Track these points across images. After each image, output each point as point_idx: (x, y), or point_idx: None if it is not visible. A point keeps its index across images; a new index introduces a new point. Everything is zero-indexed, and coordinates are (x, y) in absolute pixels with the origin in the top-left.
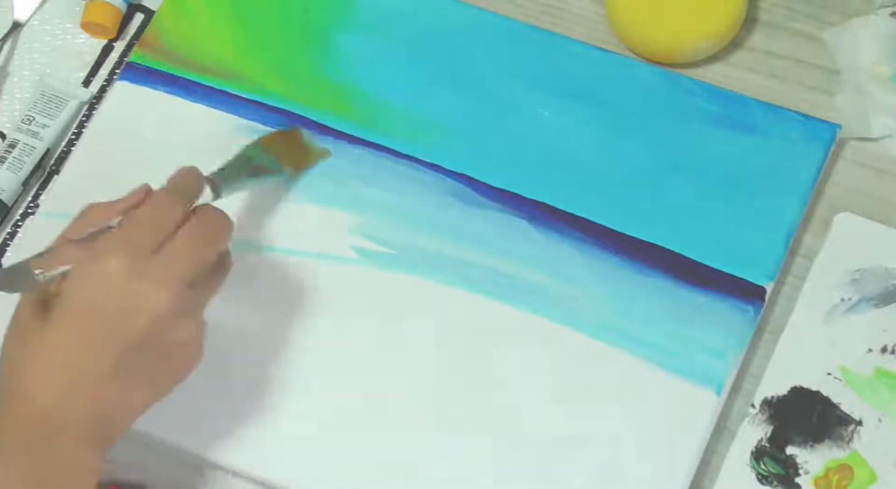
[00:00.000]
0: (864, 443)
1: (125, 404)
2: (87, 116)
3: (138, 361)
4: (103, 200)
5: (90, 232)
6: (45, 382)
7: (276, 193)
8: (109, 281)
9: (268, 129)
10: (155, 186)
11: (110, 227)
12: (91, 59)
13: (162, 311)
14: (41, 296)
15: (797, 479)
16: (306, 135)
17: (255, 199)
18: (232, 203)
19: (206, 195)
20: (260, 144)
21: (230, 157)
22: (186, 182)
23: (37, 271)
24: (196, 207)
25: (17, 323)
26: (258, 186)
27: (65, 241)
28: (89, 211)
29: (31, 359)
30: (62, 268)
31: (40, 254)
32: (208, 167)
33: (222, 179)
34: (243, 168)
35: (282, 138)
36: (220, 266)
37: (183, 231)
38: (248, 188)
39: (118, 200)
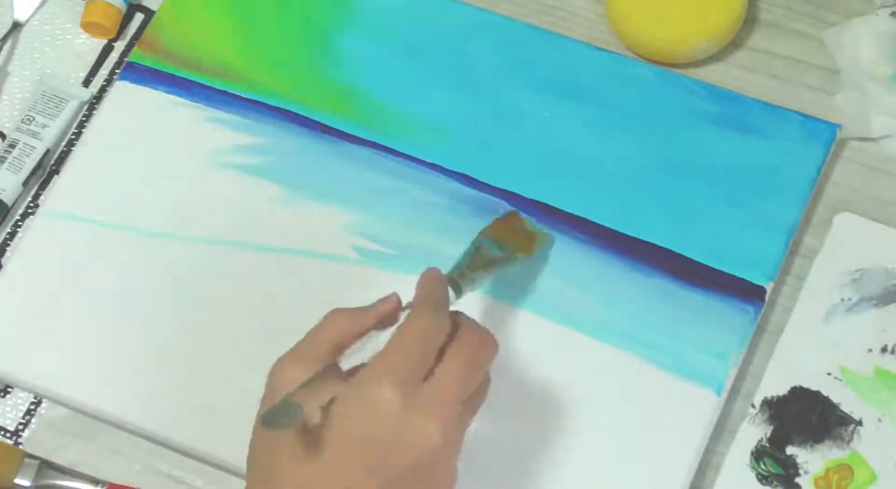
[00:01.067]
0: (864, 443)
1: None
2: (87, 116)
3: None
4: (346, 310)
5: (347, 355)
6: None
7: (276, 193)
8: (381, 412)
9: (264, 127)
10: (155, 190)
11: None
12: (91, 59)
13: (436, 445)
14: (302, 428)
15: (797, 479)
16: (525, 218)
17: (256, 199)
18: (232, 203)
19: (451, 299)
20: (487, 236)
21: (460, 255)
22: (437, 291)
23: (303, 405)
24: (459, 324)
25: (278, 443)
26: (493, 279)
27: (326, 370)
28: (336, 321)
29: (305, 479)
30: (328, 398)
31: (304, 385)
32: (209, 168)
33: (463, 281)
34: (478, 263)
35: (503, 226)
36: (480, 386)
37: (450, 355)
38: (486, 283)
39: (366, 310)
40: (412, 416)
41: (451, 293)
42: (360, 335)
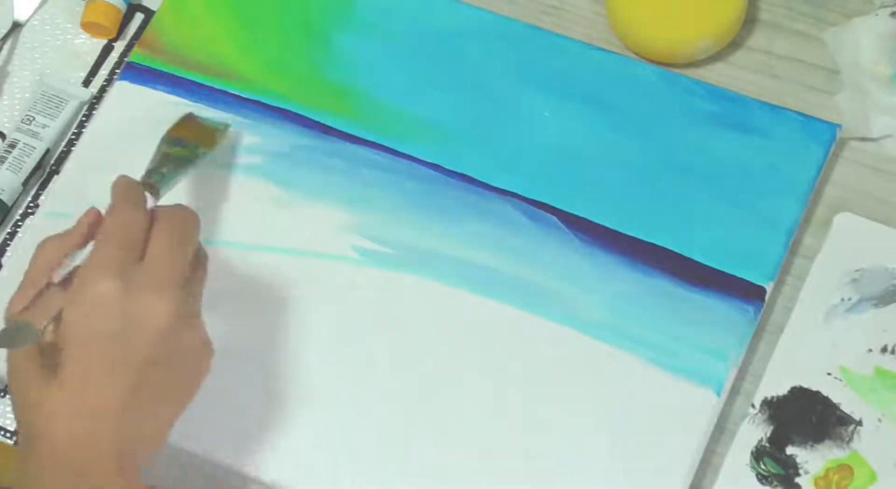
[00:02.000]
0: (864, 443)
1: (152, 424)
2: (87, 116)
3: (156, 377)
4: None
5: (60, 273)
6: (68, 426)
7: (276, 193)
8: (106, 305)
9: (264, 127)
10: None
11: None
12: (91, 59)
13: (167, 320)
14: (38, 346)
15: (797, 479)
16: (199, 116)
17: (256, 199)
18: (232, 203)
19: (149, 200)
20: (168, 138)
21: (148, 161)
22: (128, 190)
23: (32, 322)
24: (154, 210)
25: (23, 377)
26: (187, 176)
27: (45, 288)
28: (45, 249)
29: (51, 407)
30: (55, 310)
31: (28, 306)
32: (209, 167)
33: (156, 180)
34: (165, 163)
35: (181, 126)
36: (197, 260)
37: (155, 235)
38: (179, 180)
39: (69, 231)
40: (136, 298)
41: (148, 194)
42: (68, 255)
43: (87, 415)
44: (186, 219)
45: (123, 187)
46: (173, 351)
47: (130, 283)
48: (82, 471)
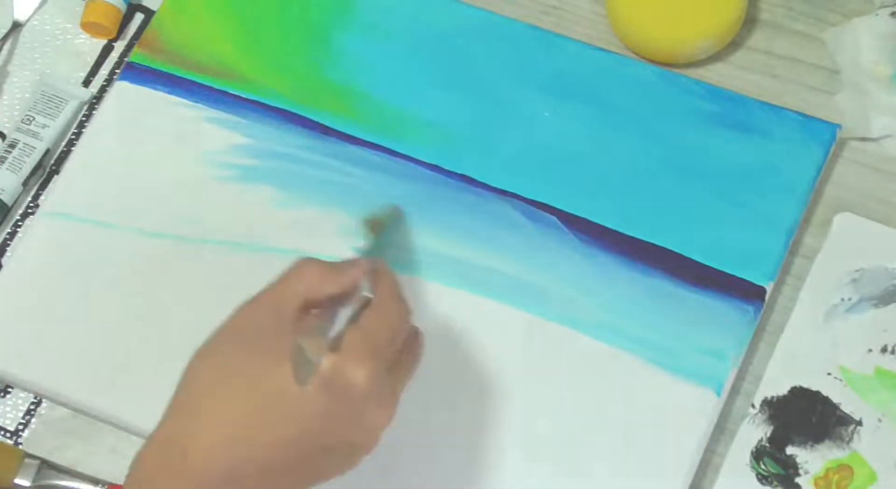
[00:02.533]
0: (864, 443)
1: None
2: (87, 116)
3: (324, 460)
4: (313, 261)
5: (329, 314)
6: (210, 453)
7: (276, 193)
8: (351, 392)
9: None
10: (155, 190)
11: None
12: (91, 59)
13: (381, 428)
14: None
15: (797, 479)
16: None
17: (256, 199)
18: (232, 203)
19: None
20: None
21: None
22: (389, 277)
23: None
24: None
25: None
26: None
27: (302, 326)
28: (305, 273)
29: (216, 420)
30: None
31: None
32: (209, 168)
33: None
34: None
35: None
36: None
37: (409, 349)
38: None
39: (337, 268)
40: (372, 405)
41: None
42: (328, 295)
43: (239, 458)
44: (420, 340)
45: (387, 273)
46: (356, 449)
47: (378, 387)
48: None
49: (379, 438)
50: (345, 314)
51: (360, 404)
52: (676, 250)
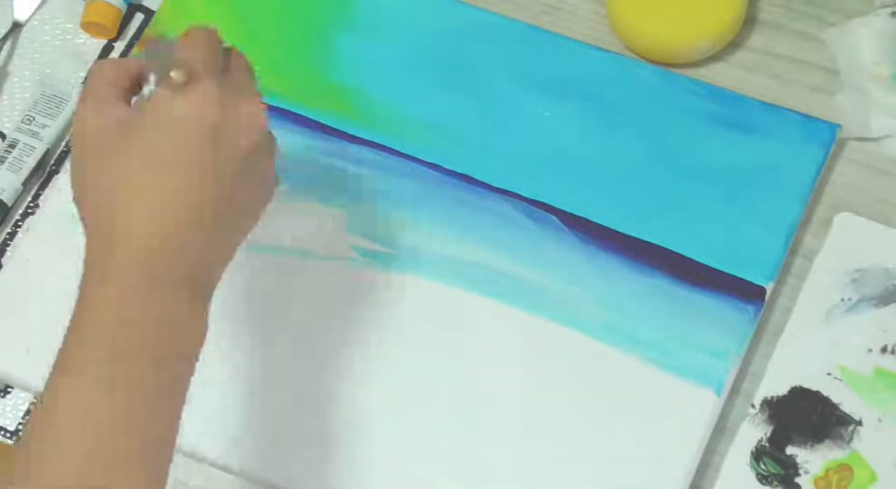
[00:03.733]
0: (864, 443)
1: (229, 242)
2: None
3: (242, 188)
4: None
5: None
6: (151, 220)
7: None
8: (211, 102)
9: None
10: None
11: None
12: (91, 59)
13: (264, 125)
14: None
15: (797, 479)
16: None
17: None
18: None
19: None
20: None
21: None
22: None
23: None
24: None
25: (102, 142)
26: None
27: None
28: (103, 67)
29: (134, 195)
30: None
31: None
32: None
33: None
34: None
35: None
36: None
37: (234, 56)
38: None
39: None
40: (235, 102)
41: None
42: (133, 72)
43: (166, 215)
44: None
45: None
46: (259, 163)
47: (226, 87)
48: (155, 277)
49: (263, 130)
50: (155, 62)
51: (225, 104)
52: (676, 250)
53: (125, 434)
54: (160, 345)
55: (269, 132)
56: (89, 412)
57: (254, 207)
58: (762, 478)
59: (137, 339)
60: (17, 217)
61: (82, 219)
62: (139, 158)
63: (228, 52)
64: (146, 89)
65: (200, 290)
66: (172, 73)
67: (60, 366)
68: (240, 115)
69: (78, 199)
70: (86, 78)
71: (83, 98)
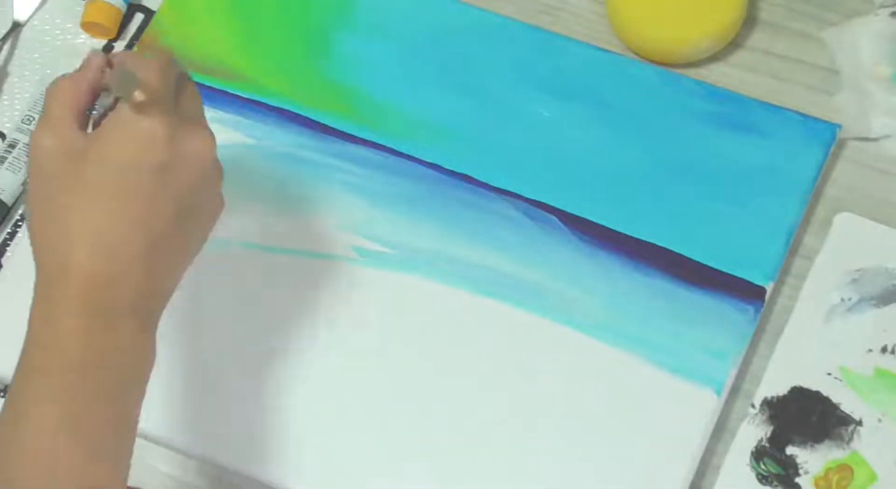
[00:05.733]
0: (864, 443)
1: (173, 272)
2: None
3: (187, 220)
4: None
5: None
6: (95, 253)
7: (276, 193)
8: (157, 139)
9: (264, 127)
10: None
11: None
12: None
13: (210, 159)
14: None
15: (797, 479)
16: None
17: (255, 199)
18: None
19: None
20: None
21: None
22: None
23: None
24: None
25: (54, 170)
26: None
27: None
28: (62, 88)
29: (78, 228)
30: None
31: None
32: None
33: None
34: None
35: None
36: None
37: (182, 81)
38: None
39: (80, 70)
40: (182, 135)
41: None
42: (90, 91)
43: (113, 245)
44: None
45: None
46: (206, 192)
47: (175, 119)
48: (99, 311)
49: (210, 162)
50: (118, 80)
51: (174, 138)
52: (676, 250)
53: (75, 474)
54: (106, 379)
55: (216, 160)
56: (36, 455)
57: (200, 233)
58: (762, 478)
59: (83, 377)
60: (17, 217)
61: (32, 248)
62: (86, 191)
63: (184, 78)
64: (99, 103)
65: (148, 319)
66: (136, 94)
67: (9, 406)
68: (188, 148)
69: (29, 228)
70: (44, 97)
71: (40, 120)
